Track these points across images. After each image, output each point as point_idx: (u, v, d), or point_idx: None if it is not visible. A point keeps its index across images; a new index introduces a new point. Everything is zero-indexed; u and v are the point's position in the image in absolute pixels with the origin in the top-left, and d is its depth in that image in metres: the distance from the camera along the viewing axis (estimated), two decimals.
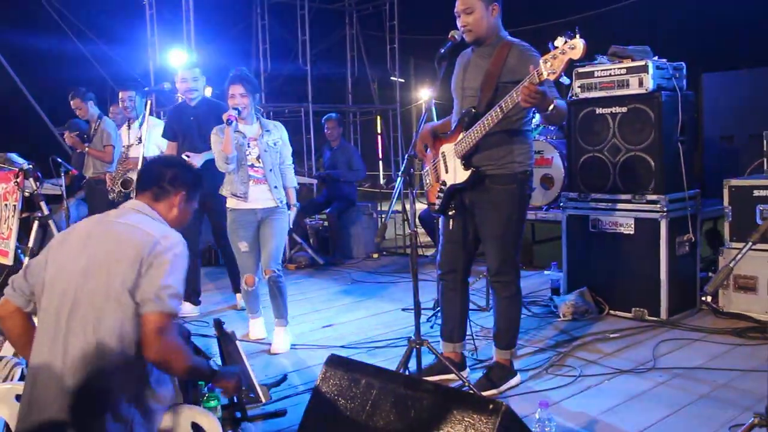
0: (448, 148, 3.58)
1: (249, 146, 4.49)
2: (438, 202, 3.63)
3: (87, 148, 6.34)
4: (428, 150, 3.72)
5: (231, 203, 4.54)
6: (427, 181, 3.78)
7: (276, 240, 4.50)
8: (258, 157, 4.49)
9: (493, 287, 3.70)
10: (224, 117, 4.37)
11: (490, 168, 3.48)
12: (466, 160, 3.48)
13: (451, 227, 3.67)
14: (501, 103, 3.22)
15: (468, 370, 3.83)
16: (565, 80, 3.04)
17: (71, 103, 6.48)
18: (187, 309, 5.45)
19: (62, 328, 2.29)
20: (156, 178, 2.59)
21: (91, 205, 6.57)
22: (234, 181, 4.48)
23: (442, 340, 3.82)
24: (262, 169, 4.49)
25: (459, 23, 3.45)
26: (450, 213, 3.62)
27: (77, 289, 2.31)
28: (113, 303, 2.27)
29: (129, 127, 6.17)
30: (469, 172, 3.47)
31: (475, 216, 3.60)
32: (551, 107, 3.19)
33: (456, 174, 3.53)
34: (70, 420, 2.23)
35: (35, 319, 2.48)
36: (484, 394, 3.42)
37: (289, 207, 4.65)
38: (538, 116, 5.09)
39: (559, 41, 2.95)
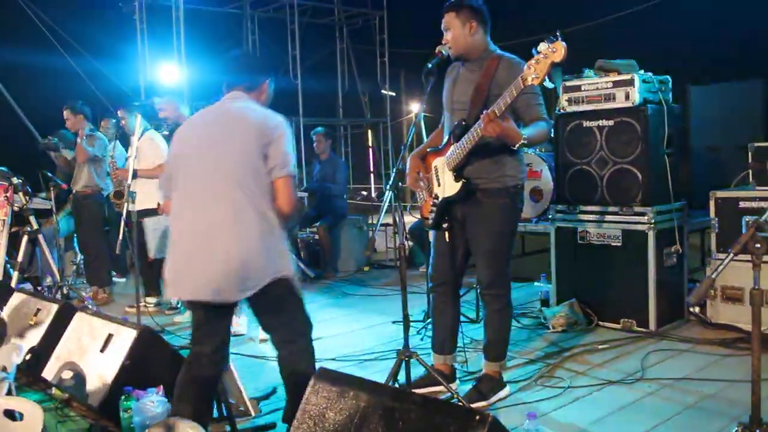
0: (440, 162, 3.59)
1: None
2: (431, 216, 3.63)
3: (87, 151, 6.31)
4: (421, 174, 3.71)
5: None
6: (421, 197, 3.79)
7: None
8: None
9: (484, 300, 3.70)
10: None
11: (482, 182, 3.49)
12: (458, 172, 3.49)
13: (442, 240, 3.68)
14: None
15: (458, 381, 3.84)
16: (548, 84, 3.09)
17: (64, 113, 6.47)
18: (177, 318, 5.60)
19: (196, 184, 2.82)
20: (242, 74, 3.05)
21: (78, 219, 6.54)
22: None
23: (433, 352, 3.83)
24: None
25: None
26: (443, 226, 3.63)
27: (208, 151, 2.83)
28: (245, 160, 2.79)
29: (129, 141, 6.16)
30: (460, 184, 3.48)
31: (466, 229, 3.60)
32: (521, 142, 3.23)
33: (447, 187, 3.54)
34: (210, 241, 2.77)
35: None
36: (474, 405, 3.43)
37: None
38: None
39: (542, 46, 3.01)
